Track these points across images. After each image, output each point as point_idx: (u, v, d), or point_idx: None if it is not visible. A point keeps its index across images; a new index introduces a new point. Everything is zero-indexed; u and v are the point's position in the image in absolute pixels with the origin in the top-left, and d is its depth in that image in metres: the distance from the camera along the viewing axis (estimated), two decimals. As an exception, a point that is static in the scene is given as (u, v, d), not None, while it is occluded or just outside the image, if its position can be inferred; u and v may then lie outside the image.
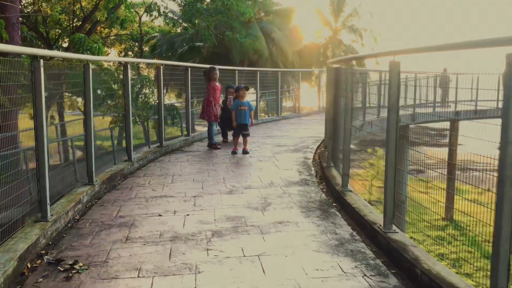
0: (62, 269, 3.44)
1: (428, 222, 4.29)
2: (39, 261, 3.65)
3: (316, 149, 9.17)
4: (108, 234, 4.25)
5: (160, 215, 4.82)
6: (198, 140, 10.31)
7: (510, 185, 2.45)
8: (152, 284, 3.21)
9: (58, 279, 3.31)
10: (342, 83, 5.94)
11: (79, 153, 7.09)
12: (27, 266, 3.53)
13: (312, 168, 7.34)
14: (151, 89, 11.65)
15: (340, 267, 3.47)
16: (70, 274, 3.36)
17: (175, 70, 10.31)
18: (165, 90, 11.32)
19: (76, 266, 3.47)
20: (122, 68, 7.31)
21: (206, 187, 6.06)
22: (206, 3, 21.49)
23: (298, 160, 7.98)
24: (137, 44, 25.57)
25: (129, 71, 7.23)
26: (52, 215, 4.35)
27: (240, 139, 8.75)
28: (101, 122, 7.90)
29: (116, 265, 3.52)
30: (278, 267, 3.49)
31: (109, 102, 8.40)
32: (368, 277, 3.30)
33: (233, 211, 4.97)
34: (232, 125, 8.88)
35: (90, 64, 5.64)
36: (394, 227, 3.91)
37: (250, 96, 12.62)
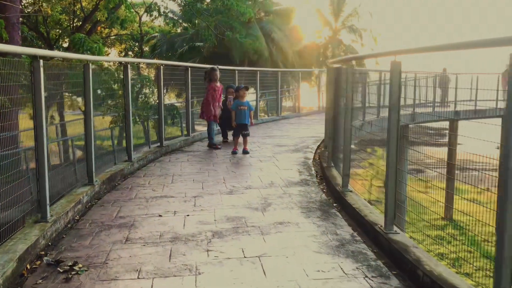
0: (61, 270, 3.42)
1: (428, 222, 4.27)
2: (39, 262, 3.64)
3: (316, 149, 9.16)
4: (108, 235, 4.23)
5: (160, 216, 4.80)
6: (198, 140, 10.29)
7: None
8: (152, 286, 3.19)
9: (58, 281, 3.29)
10: (342, 83, 5.92)
11: (79, 153, 7.08)
12: (27, 267, 3.51)
13: (312, 168, 7.32)
14: (151, 89, 11.64)
15: (341, 268, 3.45)
16: (70, 276, 3.34)
17: (175, 70, 10.29)
18: (165, 90, 11.31)
19: (76, 267, 3.46)
20: (122, 68, 7.29)
21: (206, 187, 6.04)
22: (206, 3, 21.49)
23: (299, 160, 7.96)
24: (137, 44, 25.56)
25: (129, 71, 7.22)
26: (51, 215, 4.33)
27: (240, 139, 8.73)
28: (101, 122, 7.89)
29: (116, 266, 3.50)
30: (279, 268, 3.47)
31: (109, 102, 8.38)
32: (369, 279, 3.28)
33: (233, 211, 4.95)
34: (232, 125, 8.87)
35: (90, 64, 5.63)
36: (395, 228, 3.90)
37: (250, 96, 12.62)
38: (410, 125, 8.84)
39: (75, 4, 18.54)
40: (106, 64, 10.65)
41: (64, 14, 20.38)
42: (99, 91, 7.47)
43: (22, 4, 15.99)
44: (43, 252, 3.83)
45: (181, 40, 24.92)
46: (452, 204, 9.94)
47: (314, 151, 8.90)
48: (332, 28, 31.49)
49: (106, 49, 23.09)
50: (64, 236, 4.25)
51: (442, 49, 3.43)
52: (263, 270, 3.43)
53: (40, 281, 3.31)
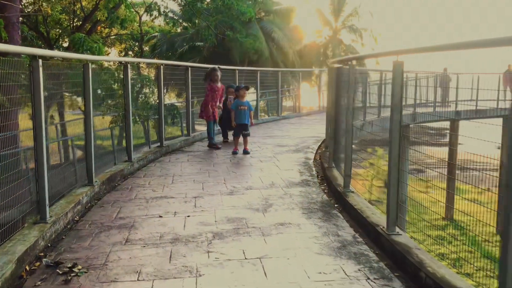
0: (60, 272, 3.39)
1: (428, 222, 4.24)
2: (38, 263, 3.60)
3: (317, 149, 9.12)
4: (107, 236, 4.20)
5: (160, 217, 4.77)
6: (199, 140, 10.26)
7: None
8: (152, 288, 3.17)
9: (57, 283, 3.26)
10: (344, 83, 5.89)
11: (78, 153, 7.05)
12: (26, 269, 3.48)
13: (313, 169, 7.29)
14: (151, 89, 11.62)
15: (343, 270, 3.41)
16: (69, 277, 3.31)
17: (176, 69, 10.26)
18: (165, 90, 11.28)
19: (75, 269, 3.42)
20: (122, 67, 7.26)
21: (206, 187, 6.01)
22: (206, 2, 21.45)
23: (299, 161, 7.93)
24: (137, 43, 25.55)
25: (129, 70, 7.18)
26: (51, 216, 4.30)
27: (241, 139, 8.70)
28: (101, 122, 7.86)
29: (116, 268, 3.47)
30: (280, 270, 3.44)
31: (109, 101, 8.36)
32: (372, 281, 3.25)
33: (234, 212, 4.92)
34: (232, 125, 8.84)
35: (90, 64, 5.59)
36: (397, 229, 3.86)
37: (250, 96, 12.59)
38: (411, 125, 8.80)
39: (75, 4, 18.51)
40: (106, 64, 10.62)
41: (64, 14, 20.36)
42: (99, 91, 7.45)
43: (22, 3, 15.95)
44: (42, 254, 3.80)
45: (181, 39, 24.89)
46: (452, 204, 9.92)
47: (315, 151, 8.86)
48: (332, 28, 31.45)
49: (106, 48, 23.07)
50: (63, 237, 4.22)
51: (445, 49, 3.40)
52: (264, 272, 3.40)
53: (39, 283, 3.27)
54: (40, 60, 4.14)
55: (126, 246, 3.93)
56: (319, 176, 6.77)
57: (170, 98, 16.94)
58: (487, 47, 2.89)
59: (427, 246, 4.15)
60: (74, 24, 18.97)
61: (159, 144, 8.78)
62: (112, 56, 26.32)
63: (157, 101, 9.14)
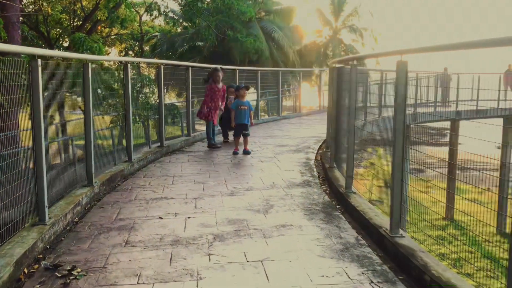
0: (59, 275, 3.34)
1: (429, 222, 4.20)
2: (37, 266, 3.55)
3: (318, 150, 9.07)
4: (107, 238, 4.15)
5: (160, 218, 4.72)
6: (199, 140, 10.20)
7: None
8: (152, 291, 3.12)
9: (56, 286, 3.21)
10: (345, 83, 5.84)
11: (78, 153, 7.00)
12: (24, 272, 3.43)
13: (314, 169, 7.24)
14: (151, 89, 11.57)
15: (346, 274, 3.36)
16: (68, 281, 3.26)
17: (176, 69, 10.21)
18: (165, 90, 11.23)
19: (74, 272, 3.37)
20: (122, 67, 7.21)
21: (207, 188, 5.96)
22: (206, 2, 21.40)
23: (300, 161, 7.88)
24: (137, 43, 25.51)
25: (129, 70, 7.13)
26: (50, 218, 4.25)
27: (241, 139, 8.64)
28: (101, 122, 7.81)
29: (115, 271, 3.42)
30: (282, 273, 3.39)
31: (109, 101, 8.31)
32: (375, 284, 3.20)
33: (234, 213, 4.87)
34: (232, 125, 8.79)
35: (90, 63, 5.54)
36: (401, 231, 3.81)
37: (250, 96, 12.54)
38: (411, 125, 8.75)
39: (76, 4, 18.47)
40: (106, 64, 10.57)
41: (64, 14, 20.32)
42: (99, 91, 7.40)
43: (22, 3, 15.91)
44: (41, 256, 3.75)
45: (181, 39, 24.85)
46: (453, 204, 9.87)
47: (315, 152, 8.81)
48: (333, 28, 31.41)
49: (106, 48, 23.03)
50: (62, 239, 4.17)
51: (448, 49, 3.35)
52: (266, 275, 3.34)
53: (38, 286, 3.22)
54: (39, 60, 4.09)
55: (126, 248, 3.88)
56: (320, 177, 6.72)
57: (170, 98, 16.91)
58: (491, 47, 2.85)
59: (427, 246, 4.10)
60: (75, 24, 18.93)
61: (159, 144, 8.73)
62: (112, 56, 26.28)
63: (157, 101, 9.09)
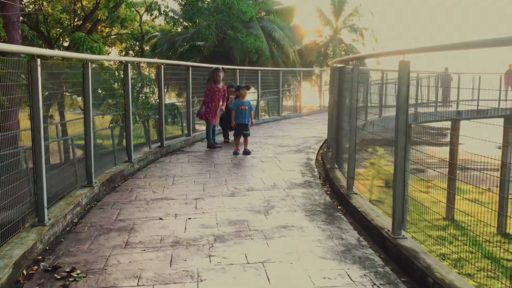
0: (59, 277, 3.31)
1: (429, 222, 4.17)
2: (36, 267, 3.52)
3: (319, 150, 9.04)
4: (107, 239, 4.11)
5: (160, 219, 4.69)
6: (199, 140, 10.17)
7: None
8: (152, 293, 3.08)
9: (55, 288, 3.18)
10: (347, 83, 5.81)
11: (78, 153, 6.97)
12: (23, 273, 3.40)
13: (315, 170, 7.21)
14: (151, 88, 11.54)
15: (348, 275, 3.33)
16: (67, 283, 3.23)
17: (176, 69, 10.18)
18: (165, 90, 11.19)
19: (74, 274, 3.34)
20: (122, 67, 7.18)
21: (207, 189, 5.93)
22: (207, 2, 21.36)
23: (301, 161, 7.85)
24: (137, 43, 25.49)
25: (130, 70, 7.10)
26: (49, 218, 4.22)
27: (241, 139, 8.61)
28: (101, 122, 7.78)
29: (115, 273, 3.39)
30: (283, 275, 3.35)
31: (109, 101, 8.28)
32: (378, 286, 3.16)
33: (235, 214, 4.84)
34: (232, 125, 8.76)
35: (90, 63, 5.51)
36: (403, 233, 3.78)
37: (250, 96, 12.50)
38: (412, 125, 8.71)
39: (76, 3, 18.44)
40: (106, 63, 10.54)
41: (64, 13, 20.30)
42: (99, 90, 7.37)
43: (23, 3, 15.88)
44: (40, 257, 3.72)
45: (181, 39, 24.82)
46: (453, 204, 9.84)
47: (316, 152, 8.78)
48: (333, 27, 31.34)
49: (106, 48, 23.01)
50: (62, 240, 4.14)
51: (452, 49, 3.33)
52: (267, 277, 3.31)
53: (37, 288, 3.20)
54: (39, 60, 4.06)
55: (126, 250, 3.85)
56: (321, 177, 6.69)
57: (170, 98, 16.88)
58: (492, 47, 2.83)
59: (428, 247, 4.07)
60: (75, 24, 18.91)
61: (159, 144, 8.69)
62: (113, 55, 26.25)
63: (158, 100, 9.06)
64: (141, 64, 13.24)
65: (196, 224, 4.50)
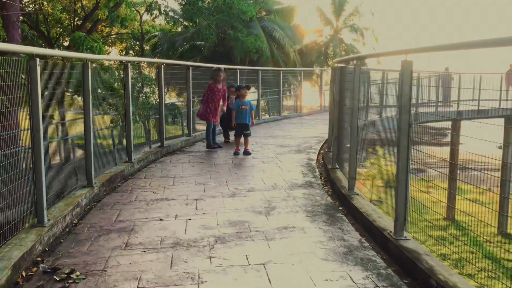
0: (58, 279, 3.27)
1: (430, 222, 4.14)
2: (35, 269, 3.49)
3: (320, 150, 9.01)
4: (107, 240, 4.08)
5: (161, 220, 4.66)
6: (200, 140, 10.13)
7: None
8: (152, 295, 3.05)
9: (54, 290, 3.15)
10: (348, 83, 5.77)
11: (78, 153, 6.94)
12: (22, 275, 3.36)
13: (316, 170, 7.18)
14: (152, 88, 11.50)
15: (350, 277, 3.30)
16: (66, 284, 3.19)
17: (176, 69, 10.15)
18: (166, 89, 11.16)
19: (73, 276, 3.31)
20: (122, 67, 7.15)
21: (208, 189, 5.89)
22: (207, 1, 21.33)
23: (302, 161, 7.82)
24: (138, 43, 25.45)
25: (130, 70, 7.07)
26: (49, 219, 4.18)
27: (242, 139, 8.57)
28: (101, 122, 7.74)
29: (115, 274, 3.36)
30: (285, 276, 3.32)
31: (109, 101, 8.24)
32: (380, 288, 3.14)
33: (236, 215, 4.80)
34: (232, 125, 8.73)
35: (90, 63, 5.48)
36: (405, 234, 3.75)
37: (251, 95, 12.47)
38: (412, 125, 8.67)
39: (76, 3, 18.41)
40: (106, 63, 10.51)
41: (64, 13, 20.27)
42: (99, 90, 7.33)
43: (23, 2, 15.84)
44: (39, 259, 3.69)
45: (181, 39, 24.79)
46: (454, 204, 9.81)
47: (317, 152, 8.75)
48: (334, 27, 31.30)
49: (106, 48, 22.99)
50: (61, 241, 4.11)
51: (454, 48, 3.30)
52: (269, 279, 3.28)
53: (36, 290, 3.16)
54: (38, 59, 4.03)
55: (126, 251, 3.81)
56: (322, 178, 6.66)
57: (170, 98, 16.84)
58: (496, 47, 2.80)
59: (429, 247, 4.04)
60: (75, 23, 18.87)
61: (159, 144, 8.66)
62: (113, 55, 26.21)
63: (158, 100, 9.02)
64: (141, 64, 13.19)
65: (197, 225, 4.47)
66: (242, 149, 8.45)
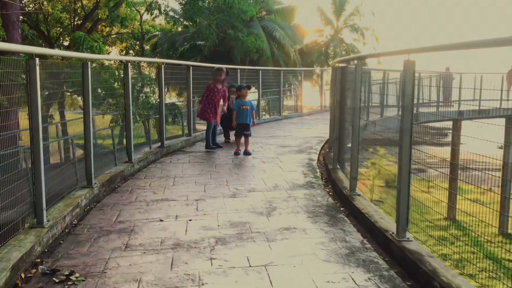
0: (57, 281, 3.24)
1: (431, 222, 4.11)
2: (34, 271, 3.45)
3: (321, 150, 8.98)
4: (106, 241, 4.05)
5: (161, 220, 4.62)
6: (200, 140, 10.09)
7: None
8: (152, 297, 3.02)
9: (53, 291, 3.12)
10: (350, 82, 5.74)
11: (78, 154, 6.90)
12: (21, 277, 3.33)
13: (317, 170, 7.14)
14: (152, 88, 11.48)
15: (353, 279, 3.26)
16: (66, 286, 3.16)
17: (176, 69, 10.11)
18: (166, 89, 11.13)
19: (72, 277, 3.27)
20: (122, 66, 7.11)
21: (208, 190, 5.86)
22: (207, 1, 21.30)
23: (303, 162, 7.78)
24: (138, 42, 25.43)
25: (130, 69, 7.03)
26: (48, 220, 4.15)
27: (242, 139, 8.54)
28: (101, 122, 7.71)
29: (115, 276, 3.32)
30: (286, 278, 3.29)
31: (109, 101, 8.21)
32: (383, 291, 3.10)
33: (237, 216, 4.77)
34: (232, 125, 8.69)
35: (89, 63, 5.44)
36: (408, 235, 3.71)
37: (251, 95, 12.43)
38: (413, 125, 8.63)
39: (76, 2, 18.39)
40: (106, 63, 10.48)
41: (64, 13, 20.25)
42: (99, 90, 7.30)
43: (23, 2, 15.81)
44: (38, 260, 3.65)
45: (182, 38, 24.78)
46: (455, 204, 9.78)
47: (318, 152, 8.71)
48: (334, 27, 31.27)
49: (107, 48, 22.96)
50: (61, 242, 4.07)
51: (458, 48, 3.26)
52: (270, 281, 3.24)
53: (35, 291, 3.13)
54: (37, 59, 3.99)
55: (126, 252, 3.78)
56: (323, 178, 6.62)
57: (171, 97, 16.81)
58: (498, 47, 2.77)
59: (429, 247, 4.02)
60: (75, 23, 18.85)
61: (160, 144, 8.63)
62: (113, 55, 26.19)
63: (158, 100, 8.99)
64: (142, 64, 13.18)
65: (197, 226, 4.44)
66: (242, 149, 8.42)
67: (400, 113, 3.76)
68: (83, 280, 3.25)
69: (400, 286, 3.18)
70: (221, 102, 9.14)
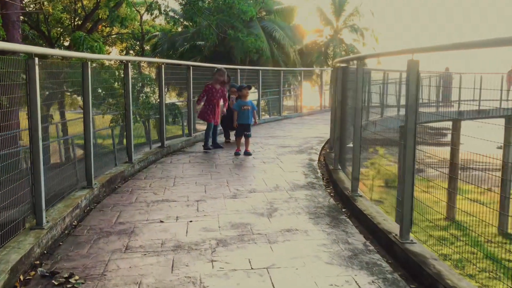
0: (56, 283, 3.20)
1: (431, 222, 4.08)
2: (33, 273, 3.41)
3: (321, 150, 8.94)
4: (106, 243, 4.00)
5: (161, 222, 4.58)
6: (200, 140, 10.03)
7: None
8: (153, 300, 2.98)
9: (52, 294, 3.07)
10: (351, 83, 5.70)
11: (78, 154, 6.86)
12: (20, 279, 3.29)
13: (318, 171, 7.10)
14: (152, 88, 11.44)
15: (356, 282, 3.22)
16: (65, 289, 3.12)
17: (177, 69, 10.07)
18: (166, 89, 11.09)
19: (72, 280, 3.23)
20: (123, 66, 7.07)
21: (209, 190, 5.82)
22: (207, 1, 21.27)
23: (303, 162, 7.74)
24: (138, 43, 25.39)
25: (130, 69, 6.99)
26: (47, 221, 4.11)
27: (242, 139, 8.49)
28: (101, 122, 7.67)
29: (115, 278, 3.28)
30: (289, 281, 3.24)
31: (109, 101, 8.17)
32: (386, 293, 3.06)
33: (238, 217, 4.73)
34: (233, 126, 8.65)
35: (89, 62, 5.40)
36: (411, 237, 3.67)
37: (251, 95, 12.38)
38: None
39: (76, 3, 18.35)
40: (107, 63, 10.44)
41: (65, 13, 20.21)
42: (99, 90, 7.26)
43: (23, 2, 15.77)
44: (37, 262, 3.61)
45: (182, 39, 24.74)
46: (455, 204, 9.76)
47: (319, 152, 8.67)
48: (334, 27, 31.23)
49: (107, 47, 22.93)
50: (60, 243, 4.03)
51: (461, 48, 3.22)
52: (272, 283, 3.20)
53: (34, 294, 3.09)
54: (36, 59, 3.95)
55: (126, 254, 3.74)
56: (324, 179, 6.58)
57: (171, 97, 16.77)
58: (498, 47, 2.74)
59: (430, 246, 3.99)
60: (75, 23, 18.81)
61: (160, 144, 8.58)
62: (113, 55, 26.16)
63: (158, 100, 8.95)
64: (142, 64, 13.14)
65: (198, 227, 4.40)
66: (242, 150, 8.37)
67: (400, 113, 3.73)
68: (82, 283, 3.21)
69: (404, 289, 3.14)
70: (221, 103, 9.09)
